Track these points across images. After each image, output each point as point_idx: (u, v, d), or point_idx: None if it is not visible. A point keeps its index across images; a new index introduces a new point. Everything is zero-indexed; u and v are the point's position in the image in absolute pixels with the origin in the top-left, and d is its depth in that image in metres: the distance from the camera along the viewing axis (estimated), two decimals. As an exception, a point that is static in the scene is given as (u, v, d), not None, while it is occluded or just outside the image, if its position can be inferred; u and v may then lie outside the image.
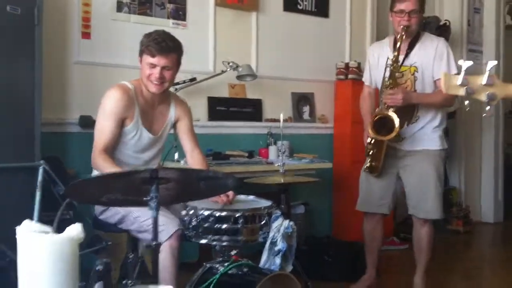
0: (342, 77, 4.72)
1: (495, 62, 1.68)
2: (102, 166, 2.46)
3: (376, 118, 3.08)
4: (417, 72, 3.17)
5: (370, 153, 3.21)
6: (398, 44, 3.09)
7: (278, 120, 4.23)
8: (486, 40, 5.90)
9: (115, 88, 2.58)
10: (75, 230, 1.14)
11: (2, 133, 2.77)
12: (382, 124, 3.05)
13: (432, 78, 3.18)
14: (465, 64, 1.62)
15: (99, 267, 1.11)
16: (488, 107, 1.71)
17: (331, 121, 4.81)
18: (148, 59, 2.52)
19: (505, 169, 6.07)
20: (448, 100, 3.19)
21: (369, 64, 3.40)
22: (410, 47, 3.18)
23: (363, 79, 3.51)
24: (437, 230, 5.25)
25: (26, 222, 1.17)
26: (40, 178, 2.80)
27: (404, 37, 3.09)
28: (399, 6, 3.12)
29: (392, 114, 3.00)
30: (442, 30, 5.25)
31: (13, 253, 2.45)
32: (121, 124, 2.56)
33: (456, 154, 5.83)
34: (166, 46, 2.51)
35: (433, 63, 3.16)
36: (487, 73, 1.66)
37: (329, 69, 4.74)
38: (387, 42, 3.32)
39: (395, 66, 3.11)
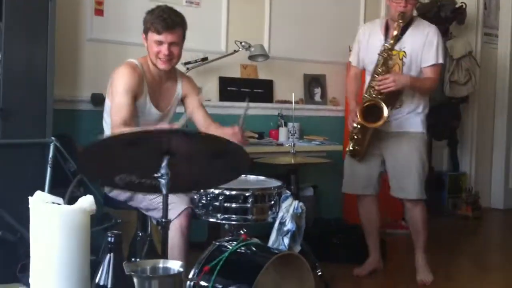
0: (354, 59, 4.68)
1: None
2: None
3: (366, 104, 3.10)
4: (405, 57, 3.20)
5: (355, 137, 3.25)
6: (395, 32, 3.10)
7: (289, 102, 4.24)
8: (502, 24, 5.81)
9: (125, 65, 2.58)
10: (87, 201, 1.15)
11: (16, 109, 2.79)
12: (370, 111, 3.09)
13: (419, 64, 3.21)
14: None
15: (110, 239, 1.11)
16: None
17: (342, 103, 4.78)
18: (154, 36, 2.51)
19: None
20: (433, 89, 3.31)
21: (358, 45, 3.40)
22: (402, 32, 3.19)
23: (350, 59, 3.52)
24: (445, 215, 5.31)
25: (39, 193, 1.18)
26: (51, 154, 2.82)
27: (401, 23, 3.10)
28: None
29: (381, 102, 3.04)
30: (457, 13, 5.19)
31: (25, 230, 2.51)
32: (134, 100, 2.56)
33: (468, 139, 5.80)
34: (171, 22, 2.49)
35: (422, 50, 3.19)
36: None
37: (342, 50, 4.68)
38: (379, 24, 3.33)
39: (390, 54, 3.12)
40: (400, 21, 3.10)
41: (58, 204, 1.16)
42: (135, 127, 2.56)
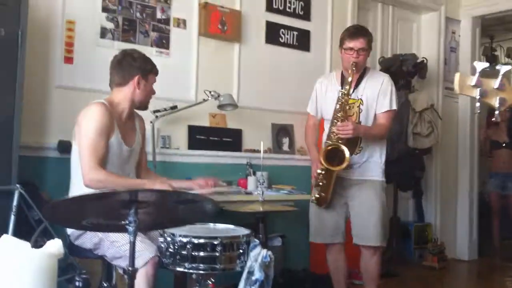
0: (322, 110, 4.78)
1: (509, 67, 1.68)
2: (107, 179, 2.51)
3: (329, 148, 3.22)
4: (362, 104, 3.38)
5: (320, 183, 3.31)
6: (350, 78, 3.27)
7: (257, 151, 4.26)
8: (461, 79, 6.04)
9: (95, 105, 2.63)
10: (55, 245, 1.12)
11: (-21, 154, 2.73)
12: (333, 155, 3.22)
13: (375, 111, 3.38)
14: (480, 65, 1.63)
15: (78, 284, 1.08)
16: (496, 112, 1.69)
17: (310, 153, 4.83)
18: (154, 78, 2.86)
19: (479, 206, 6.14)
20: (386, 134, 3.45)
21: (316, 95, 3.58)
22: (358, 82, 3.39)
23: (308, 110, 3.66)
24: (412, 266, 5.33)
25: (5, 237, 1.15)
26: (15, 202, 2.76)
27: (354, 72, 3.28)
28: (348, 44, 3.33)
29: (343, 146, 3.19)
30: (419, 68, 5.38)
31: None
32: (107, 139, 2.60)
33: (432, 190, 5.90)
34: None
35: (377, 98, 3.38)
36: (499, 77, 1.65)
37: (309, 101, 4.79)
38: (334, 76, 3.54)
39: (346, 100, 3.27)
40: (354, 69, 3.26)
41: (25, 248, 1.13)
42: (110, 167, 2.57)
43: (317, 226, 3.47)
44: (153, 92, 2.90)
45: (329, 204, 3.38)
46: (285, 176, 4.50)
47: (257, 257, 2.39)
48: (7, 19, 2.82)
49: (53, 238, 2.59)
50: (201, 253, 2.35)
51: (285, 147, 4.71)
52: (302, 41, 4.81)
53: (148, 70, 2.80)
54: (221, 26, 4.23)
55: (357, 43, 3.30)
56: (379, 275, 3.44)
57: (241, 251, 2.42)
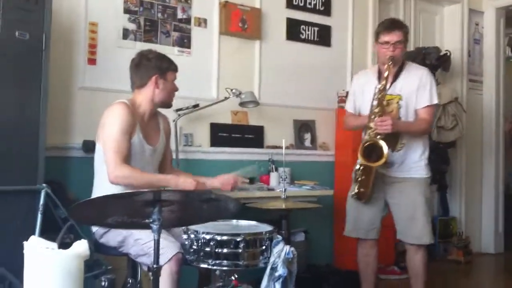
0: (343, 105, 4.74)
1: None
2: (132, 175, 2.57)
3: (366, 144, 3.15)
4: (401, 100, 3.28)
5: (359, 179, 3.27)
6: (386, 73, 3.19)
7: (279, 147, 4.28)
8: (486, 71, 5.96)
9: (120, 104, 2.67)
10: (81, 246, 1.16)
11: (7, 156, 2.80)
12: (371, 151, 3.14)
13: (415, 106, 3.28)
14: None
15: (104, 284, 1.11)
16: None
17: (332, 148, 4.83)
18: (173, 75, 2.86)
19: (505, 199, 6.06)
20: (429, 129, 3.38)
21: (353, 92, 3.49)
22: (395, 77, 3.29)
23: (346, 108, 3.59)
24: (437, 260, 5.29)
25: (33, 238, 1.19)
26: (42, 201, 2.82)
27: (391, 66, 3.19)
28: (384, 38, 3.24)
29: (381, 141, 3.09)
30: (442, 61, 5.32)
31: (13, 276, 2.48)
32: (130, 138, 2.64)
33: (457, 184, 5.84)
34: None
35: (417, 92, 3.27)
36: None
37: (331, 97, 4.79)
38: (372, 71, 3.44)
39: (383, 95, 3.20)
40: (390, 63, 3.18)
41: (53, 249, 1.16)
42: (133, 166, 2.62)
43: (354, 221, 3.42)
44: (175, 89, 2.89)
45: (369, 199, 3.33)
46: (308, 172, 4.50)
47: (280, 253, 2.41)
48: (31, 24, 2.88)
49: (78, 235, 2.66)
50: (225, 250, 2.37)
51: (307, 142, 4.72)
52: (323, 36, 4.80)
53: (165, 68, 2.81)
54: (242, 24, 4.25)
55: (393, 36, 3.21)
56: (425, 271, 3.34)
57: (264, 247, 2.44)
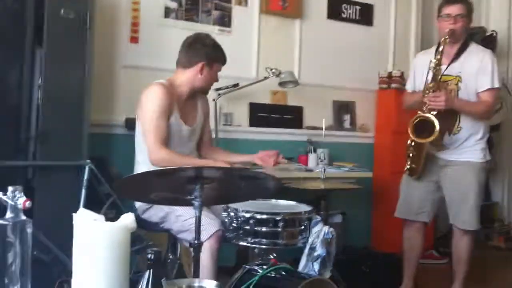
0: (384, 86, 4.70)
1: None
2: (171, 158, 2.58)
3: (416, 120, 3.07)
4: (460, 82, 3.16)
5: (410, 155, 3.21)
6: (441, 47, 3.07)
7: (318, 128, 4.26)
8: (534, 53, 5.76)
9: (157, 86, 2.69)
10: (128, 219, 1.19)
11: (53, 132, 2.86)
12: (423, 127, 3.05)
13: (475, 89, 3.15)
14: None
15: (150, 256, 1.14)
16: None
17: (372, 130, 4.78)
18: (220, 67, 2.85)
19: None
20: (489, 113, 3.23)
21: (414, 72, 3.39)
22: (456, 56, 3.17)
23: (406, 87, 3.50)
24: (478, 246, 5.18)
25: (82, 210, 1.23)
26: (86, 177, 2.88)
27: (448, 40, 3.07)
28: (445, 11, 3.14)
29: (432, 117, 3.00)
30: (488, 41, 5.16)
31: (58, 250, 2.55)
32: (168, 119, 2.67)
33: (500, 168, 5.70)
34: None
35: (476, 75, 3.14)
36: None
37: (372, 77, 4.72)
38: (433, 49, 3.30)
39: (438, 69, 3.09)
40: (447, 37, 3.06)
41: (100, 221, 1.20)
42: (171, 148, 2.65)
43: (405, 202, 3.38)
44: (216, 80, 2.91)
45: (420, 178, 3.28)
46: (346, 154, 4.47)
47: (319, 233, 2.42)
48: (76, 3, 2.92)
49: (121, 211, 2.72)
50: (264, 228, 2.39)
51: (346, 124, 4.68)
52: (365, 15, 4.73)
53: (214, 58, 2.80)
54: (282, 2, 4.22)
55: (454, 9, 3.10)
56: (469, 258, 3.27)
57: (303, 227, 2.45)
